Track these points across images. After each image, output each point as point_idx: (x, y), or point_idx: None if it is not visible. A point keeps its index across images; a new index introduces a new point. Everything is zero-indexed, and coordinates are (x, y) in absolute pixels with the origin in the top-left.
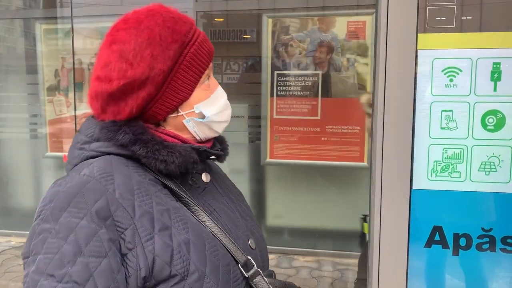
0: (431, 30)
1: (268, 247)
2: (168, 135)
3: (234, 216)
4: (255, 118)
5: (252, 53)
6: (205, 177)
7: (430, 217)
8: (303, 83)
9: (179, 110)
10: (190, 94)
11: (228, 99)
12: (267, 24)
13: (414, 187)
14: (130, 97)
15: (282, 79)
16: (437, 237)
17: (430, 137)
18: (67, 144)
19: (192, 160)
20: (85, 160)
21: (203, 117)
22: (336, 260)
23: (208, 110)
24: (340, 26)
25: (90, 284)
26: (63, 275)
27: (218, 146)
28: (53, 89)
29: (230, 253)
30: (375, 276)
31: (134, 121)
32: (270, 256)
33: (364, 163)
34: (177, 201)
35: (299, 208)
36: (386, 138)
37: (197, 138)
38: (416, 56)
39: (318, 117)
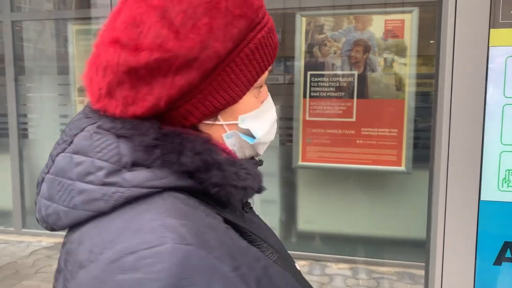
0: (505, 25)
1: (299, 253)
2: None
3: (277, 240)
4: (287, 120)
5: (285, 53)
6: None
7: (500, 232)
8: (337, 84)
9: (219, 117)
10: (240, 97)
11: None
12: (301, 23)
13: (482, 198)
14: (160, 81)
15: (315, 79)
16: (508, 254)
17: (502, 143)
18: None
19: (259, 181)
20: (122, 206)
21: (251, 135)
22: (371, 268)
23: (257, 127)
24: (377, 25)
25: None
26: None
27: None
28: (84, 90)
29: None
30: None
31: (153, 122)
32: (302, 263)
33: (402, 168)
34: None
35: (332, 213)
36: (452, 144)
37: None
38: (488, 54)
39: (353, 119)
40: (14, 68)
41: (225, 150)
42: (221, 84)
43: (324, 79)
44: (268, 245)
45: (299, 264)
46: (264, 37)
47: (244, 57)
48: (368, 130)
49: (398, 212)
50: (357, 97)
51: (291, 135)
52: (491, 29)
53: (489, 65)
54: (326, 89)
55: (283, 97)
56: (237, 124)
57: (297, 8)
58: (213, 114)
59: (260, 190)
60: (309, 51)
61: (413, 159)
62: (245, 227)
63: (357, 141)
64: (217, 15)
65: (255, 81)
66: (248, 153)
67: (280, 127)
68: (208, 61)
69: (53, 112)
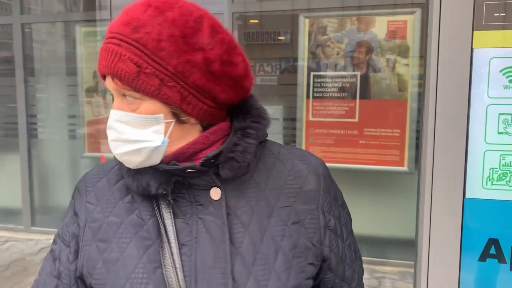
0: (488, 27)
1: None
2: None
3: (216, 256)
4: (290, 120)
5: (288, 54)
6: (214, 194)
7: (485, 229)
8: (340, 85)
9: None
10: None
11: (263, 101)
12: (304, 25)
13: (467, 196)
14: None
15: (318, 80)
16: (492, 251)
17: (486, 142)
18: (104, 145)
19: (146, 183)
20: None
21: None
22: (373, 267)
23: None
24: (379, 26)
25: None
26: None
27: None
28: (91, 91)
29: None
30: None
31: None
32: None
33: (404, 168)
34: (152, 217)
35: None
36: (438, 143)
37: None
38: (472, 55)
39: (356, 120)
40: (24, 69)
41: None
42: None
43: (327, 80)
44: (175, 244)
45: None
46: None
47: None
48: (371, 131)
49: (401, 212)
50: (360, 98)
51: (294, 136)
52: (474, 31)
53: (473, 67)
54: (329, 90)
55: (287, 97)
56: None
57: (300, 9)
58: None
59: (152, 190)
60: (312, 52)
61: (415, 159)
62: (140, 215)
63: (360, 141)
64: None
65: None
66: None
67: (283, 128)
68: None
69: (62, 112)
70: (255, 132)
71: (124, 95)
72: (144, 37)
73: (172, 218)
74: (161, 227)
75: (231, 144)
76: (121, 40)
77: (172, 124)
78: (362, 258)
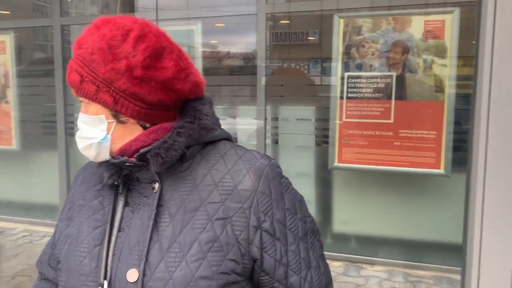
0: None
1: (334, 254)
2: None
3: (139, 240)
4: (323, 121)
5: (322, 54)
6: (155, 187)
7: None
8: (375, 85)
9: None
10: None
11: (295, 101)
12: (338, 25)
13: None
14: None
15: (352, 80)
16: None
17: None
18: None
19: (101, 173)
20: None
21: None
22: (408, 271)
23: None
24: (416, 26)
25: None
26: None
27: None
28: None
29: (99, 267)
30: None
31: None
32: (337, 263)
33: (441, 170)
34: (110, 204)
35: (368, 215)
36: (490, 147)
37: None
38: None
39: (391, 121)
40: (63, 70)
41: None
42: None
43: (362, 80)
44: (116, 226)
45: (334, 265)
46: None
47: None
48: (406, 132)
49: (436, 215)
50: (395, 99)
51: (327, 136)
52: None
53: None
54: (363, 90)
55: (319, 98)
56: None
57: (335, 9)
58: None
59: (104, 179)
60: (346, 53)
61: (452, 162)
62: (102, 202)
63: (395, 143)
64: None
65: None
66: None
67: (316, 128)
68: None
69: None
70: (184, 131)
71: (81, 101)
72: (83, 52)
73: (123, 206)
74: (110, 213)
75: (161, 142)
76: (74, 56)
77: (114, 124)
78: (396, 261)
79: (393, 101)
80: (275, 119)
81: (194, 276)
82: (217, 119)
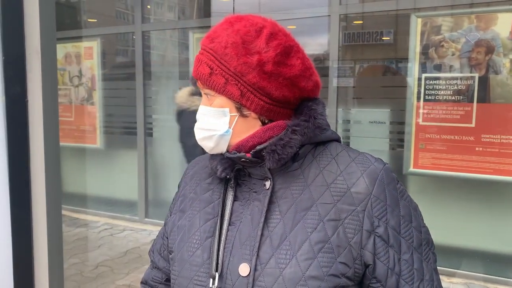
0: None
1: None
2: None
3: (250, 235)
4: (398, 124)
5: (396, 54)
6: (266, 184)
7: None
8: (455, 87)
9: None
10: None
11: (368, 103)
12: (416, 24)
13: None
14: None
15: (430, 82)
16: None
17: None
18: None
19: (215, 166)
20: None
21: None
22: (489, 285)
23: None
24: (503, 23)
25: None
26: None
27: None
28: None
29: (211, 259)
30: None
31: None
32: None
33: None
34: (220, 197)
35: (446, 224)
36: None
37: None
38: None
39: (473, 125)
40: (143, 74)
41: None
42: None
43: (441, 81)
44: (226, 220)
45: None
46: None
47: None
48: (490, 137)
49: None
50: (478, 101)
51: (402, 140)
52: None
53: None
54: (442, 92)
55: (394, 100)
56: None
57: (412, 9)
58: None
59: (214, 172)
60: (424, 53)
61: None
62: (212, 195)
63: (476, 148)
64: None
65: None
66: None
67: (390, 132)
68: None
69: (175, 113)
70: (300, 129)
71: (205, 94)
72: (216, 45)
73: (232, 200)
74: (220, 206)
75: (277, 139)
76: (203, 49)
77: (236, 117)
78: (476, 274)
79: (475, 104)
80: (347, 121)
81: (304, 275)
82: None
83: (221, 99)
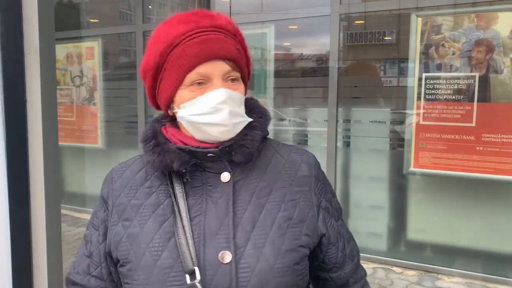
0: None
1: (407, 262)
2: (171, 133)
3: (221, 225)
4: (398, 124)
5: (398, 54)
6: (223, 177)
7: None
8: (456, 86)
9: (174, 106)
10: (174, 92)
11: (369, 103)
12: (416, 24)
13: None
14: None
15: (431, 81)
16: None
17: None
18: None
19: (170, 160)
20: None
21: (191, 117)
22: (489, 285)
23: (188, 110)
24: (503, 23)
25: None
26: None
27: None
28: None
29: (182, 257)
30: None
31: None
32: (411, 272)
33: None
34: (167, 197)
35: (446, 223)
36: None
37: (196, 138)
38: None
39: (473, 124)
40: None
41: (168, 131)
42: (163, 84)
43: (441, 81)
44: (186, 217)
45: (408, 274)
46: (180, 51)
47: (168, 66)
48: (490, 136)
49: None
50: (478, 101)
51: (402, 140)
52: None
53: None
54: (442, 92)
55: (395, 100)
56: (179, 110)
57: (413, 8)
58: (169, 104)
59: (167, 166)
60: (424, 53)
61: None
62: (175, 191)
63: (477, 148)
64: (151, 45)
65: (179, 81)
66: (201, 134)
67: (390, 131)
68: (149, 71)
69: None
70: (259, 125)
71: (226, 79)
72: (223, 23)
73: (184, 197)
74: (174, 205)
75: (243, 135)
76: (215, 29)
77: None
78: (476, 273)
79: (475, 103)
80: (347, 121)
81: (281, 249)
82: None
83: (242, 87)
